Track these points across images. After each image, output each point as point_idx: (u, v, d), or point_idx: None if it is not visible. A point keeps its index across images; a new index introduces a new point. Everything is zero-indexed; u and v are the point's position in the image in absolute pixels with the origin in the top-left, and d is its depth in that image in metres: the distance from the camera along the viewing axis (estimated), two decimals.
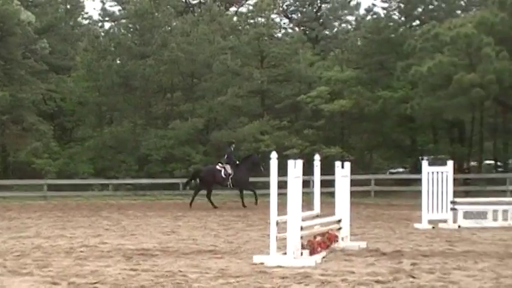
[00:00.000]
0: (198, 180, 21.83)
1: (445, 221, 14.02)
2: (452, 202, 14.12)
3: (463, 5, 33.58)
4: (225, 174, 20.99)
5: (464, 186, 25.87)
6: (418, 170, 18.48)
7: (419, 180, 14.72)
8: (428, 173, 14.17)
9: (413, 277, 7.73)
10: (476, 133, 30.82)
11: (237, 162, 21.34)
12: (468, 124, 30.34)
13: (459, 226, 13.79)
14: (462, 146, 29.98)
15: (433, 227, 13.66)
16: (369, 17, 34.31)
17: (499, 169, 30.60)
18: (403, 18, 33.50)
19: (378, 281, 7.50)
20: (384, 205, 22.09)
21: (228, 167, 21.08)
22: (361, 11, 37.11)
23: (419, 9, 33.16)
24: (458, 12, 32.63)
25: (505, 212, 14.22)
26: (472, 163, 30.70)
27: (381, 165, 33.27)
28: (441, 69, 24.06)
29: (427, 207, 14.05)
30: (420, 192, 14.43)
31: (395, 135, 31.13)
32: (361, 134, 30.89)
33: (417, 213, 14.92)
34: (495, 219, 14.10)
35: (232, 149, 22.03)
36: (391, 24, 31.48)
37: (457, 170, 21.65)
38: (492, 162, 31.73)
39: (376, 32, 29.90)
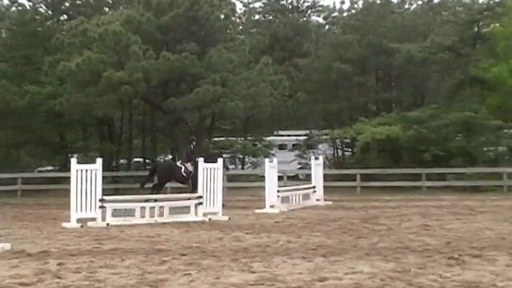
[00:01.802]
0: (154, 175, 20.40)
1: (94, 219, 14.14)
2: (101, 200, 14.31)
3: (111, 2, 34.35)
4: (185, 173, 19.71)
5: (113, 184, 26.51)
6: (68, 168, 18.32)
7: (69, 178, 14.63)
8: (77, 171, 14.10)
9: (59, 277, 7.70)
10: (125, 131, 31.85)
11: (196, 160, 19.48)
12: (117, 122, 31.16)
13: (108, 224, 14.01)
14: (112, 144, 30.62)
15: (82, 226, 13.69)
16: (13, 8, 32.76)
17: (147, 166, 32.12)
18: (50, 12, 32.82)
19: (22, 284, 7.33)
20: (32, 204, 21.41)
21: (189, 165, 19.62)
22: (5, 1, 35.24)
23: (67, 4, 32.89)
24: (106, 9, 33.29)
25: (152, 208, 14.94)
26: (122, 161, 31.57)
27: (28, 163, 32.21)
28: (90, 65, 24.26)
29: (76, 205, 13.99)
30: (69, 190, 14.31)
31: (43, 131, 30.36)
32: (7, 130, 29.41)
33: (66, 212, 14.78)
34: (143, 216, 14.69)
35: (192, 146, 20.51)
36: (38, 17, 30.64)
37: (106, 167, 22.08)
38: (141, 159, 32.98)
39: (21, 24, 28.80)
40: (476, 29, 30.54)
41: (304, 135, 32.93)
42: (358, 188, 25.96)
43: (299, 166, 31.87)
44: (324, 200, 20.52)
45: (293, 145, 33.87)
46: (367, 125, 28.05)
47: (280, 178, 21.16)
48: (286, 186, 21.65)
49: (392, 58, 30.69)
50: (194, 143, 21.10)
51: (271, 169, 18.22)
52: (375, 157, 28.63)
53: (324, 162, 24.48)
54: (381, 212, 16.61)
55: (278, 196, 18.14)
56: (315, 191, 20.38)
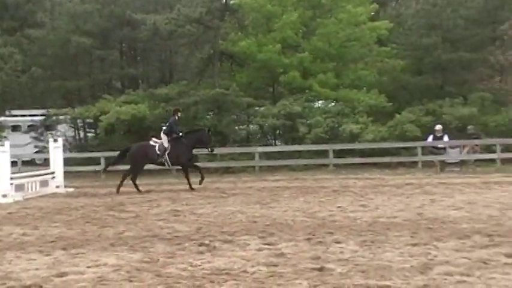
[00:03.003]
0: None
1: None
2: None
3: None
4: (159, 150, 18.76)
5: None
6: None
7: None
8: None
9: None
10: None
11: (180, 134, 19.02)
12: None
13: None
14: None
15: None
16: None
17: None
18: None
19: None
20: None
21: (164, 140, 18.80)
22: None
23: None
24: None
25: None
26: None
27: None
28: None
29: None
30: None
31: None
32: None
33: None
34: None
35: (177, 117, 19.42)
36: None
37: None
38: None
39: None
40: (224, 0, 31.48)
41: (41, 115, 31.61)
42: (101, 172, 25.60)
43: (36, 150, 30.55)
44: (65, 186, 20.18)
45: (28, 126, 32.46)
46: (112, 103, 27.76)
47: (13, 164, 20.62)
48: (21, 172, 20.76)
49: (137, 31, 30.54)
50: (180, 113, 20.11)
51: (2, 154, 17.48)
52: (121, 138, 28.41)
53: (64, 144, 23.98)
54: (128, 198, 16.56)
55: (11, 184, 17.55)
56: (54, 177, 20.00)
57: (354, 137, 26.81)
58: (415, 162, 25.15)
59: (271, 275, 7.12)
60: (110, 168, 20.68)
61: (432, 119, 26.76)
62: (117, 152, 20.22)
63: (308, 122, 27.74)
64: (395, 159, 25.64)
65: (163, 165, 19.42)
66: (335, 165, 25.68)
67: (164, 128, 19.71)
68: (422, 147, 25.03)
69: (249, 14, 30.38)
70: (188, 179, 18.88)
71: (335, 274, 7.06)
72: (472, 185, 17.26)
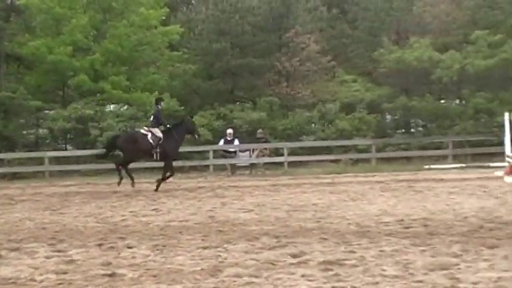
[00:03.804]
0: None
1: None
2: None
3: None
4: (153, 140, 17.83)
5: None
6: None
7: None
8: None
9: None
10: None
11: (168, 126, 18.31)
12: None
13: None
14: None
15: None
16: None
17: None
18: None
19: None
20: None
21: (156, 131, 17.95)
22: None
23: None
24: None
25: None
26: None
27: None
28: None
29: None
30: None
31: None
32: None
33: None
34: None
35: (159, 107, 18.69)
36: None
37: None
38: None
39: None
40: (9, 0, 30.15)
41: None
42: None
43: None
44: None
45: None
46: None
47: None
48: None
49: None
50: (162, 103, 19.20)
51: None
52: None
53: None
54: None
55: None
56: None
57: None
58: (207, 166, 25.68)
59: (60, 282, 6.93)
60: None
61: (223, 123, 27.53)
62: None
63: (100, 125, 27.31)
64: (187, 163, 26.00)
65: (152, 157, 18.22)
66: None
67: (152, 120, 18.50)
68: (214, 151, 25.63)
69: (36, 15, 29.26)
70: (164, 174, 18.08)
71: (126, 279, 7.03)
72: (262, 188, 17.91)
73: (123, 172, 18.22)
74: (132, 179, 18.18)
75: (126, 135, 19.02)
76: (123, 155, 18.70)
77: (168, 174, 18.29)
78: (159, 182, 17.91)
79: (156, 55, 30.18)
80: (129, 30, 28.76)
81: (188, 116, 20.76)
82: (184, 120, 19.11)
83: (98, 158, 20.95)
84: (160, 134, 18.06)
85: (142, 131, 18.52)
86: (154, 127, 18.22)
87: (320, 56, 30.51)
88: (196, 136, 19.09)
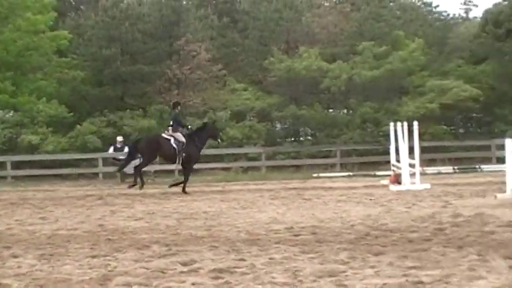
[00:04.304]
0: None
1: None
2: None
3: None
4: (176, 145, 17.83)
5: None
6: None
7: None
8: None
9: None
10: None
11: (190, 127, 18.83)
12: None
13: None
14: None
15: None
16: None
17: None
18: None
19: None
20: None
21: (179, 135, 17.89)
22: None
23: None
24: None
25: None
26: None
27: None
28: None
29: None
30: None
31: None
32: None
33: None
34: None
35: (177, 111, 18.82)
36: None
37: None
38: None
39: None
40: None
41: None
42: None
43: None
44: None
45: None
46: None
47: None
48: None
49: None
50: (179, 107, 19.32)
51: None
52: None
53: None
54: None
55: None
56: None
57: (33, 148, 26.11)
58: (96, 174, 25.25)
59: None
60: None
61: (113, 130, 27.12)
62: None
63: None
64: (76, 171, 25.51)
65: (175, 162, 18.50)
66: (13, 177, 24.91)
67: (171, 125, 18.65)
68: (104, 159, 25.23)
69: None
70: (186, 180, 18.44)
71: None
72: (152, 196, 17.85)
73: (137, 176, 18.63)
74: (142, 183, 18.57)
75: (148, 140, 19.25)
76: (143, 159, 19.13)
77: (175, 182, 19.20)
78: (178, 183, 18.72)
79: (44, 61, 29.32)
80: (15, 35, 27.85)
81: (209, 122, 21.18)
82: (205, 127, 19.42)
83: (119, 170, 21.06)
84: (183, 139, 18.38)
85: (164, 135, 18.78)
86: (175, 131, 18.50)
87: (211, 64, 30.60)
88: (219, 140, 20.23)
